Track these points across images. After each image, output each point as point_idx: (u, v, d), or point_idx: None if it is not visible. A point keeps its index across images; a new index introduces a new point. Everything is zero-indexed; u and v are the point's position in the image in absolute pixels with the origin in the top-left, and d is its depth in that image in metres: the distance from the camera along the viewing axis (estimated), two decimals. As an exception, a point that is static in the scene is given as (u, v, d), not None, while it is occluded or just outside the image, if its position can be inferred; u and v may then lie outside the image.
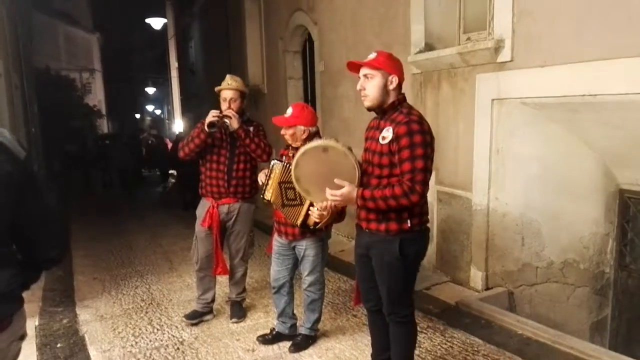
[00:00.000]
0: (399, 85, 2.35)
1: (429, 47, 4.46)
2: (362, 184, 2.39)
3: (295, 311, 3.40)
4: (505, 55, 3.68)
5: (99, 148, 14.42)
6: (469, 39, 4.29)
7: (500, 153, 3.87)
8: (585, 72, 3.14)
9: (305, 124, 2.98)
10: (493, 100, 3.83)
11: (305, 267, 3.15)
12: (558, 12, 3.30)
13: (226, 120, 3.39)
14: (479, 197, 4.05)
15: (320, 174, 2.40)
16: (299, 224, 2.91)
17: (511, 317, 3.57)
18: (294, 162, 2.48)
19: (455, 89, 4.22)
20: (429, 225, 2.48)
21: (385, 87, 2.31)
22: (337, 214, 2.74)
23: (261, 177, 3.05)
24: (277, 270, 3.23)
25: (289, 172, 2.84)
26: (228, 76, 3.56)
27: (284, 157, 3.06)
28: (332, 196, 2.33)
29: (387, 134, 2.28)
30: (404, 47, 4.59)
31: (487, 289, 4.07)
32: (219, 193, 3.55)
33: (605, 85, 3.03)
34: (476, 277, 4.13)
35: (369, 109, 2.41)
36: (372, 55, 2.36)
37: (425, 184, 2.23)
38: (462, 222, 4.27)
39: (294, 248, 3.16)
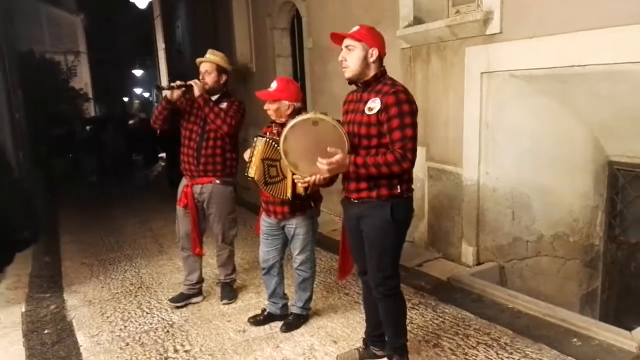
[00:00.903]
0: (380, 59, 2.38)
1: (417, 20, 4.37)
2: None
3: (286, 291, 3.37)
4: (494, 27, 3.61)
5: (90, 132, 14.16)
6: (457, 11, 4.20)
7: (491, 127, 3.82)
8: (574, 42, 3.08)
9: (289, 99, 2.90)
10: (482, 73, 3.77)
11: (296, 246, 3.11)
12: (548, -19, 3.23)
13: (177, 88, 3.36)
14: (469, 172, 4.02)
15: (308, 147, 2.37)
16: (289, 197, 2.85)
17: (502, 291, 3.57)
18: (282, 136, 2.42)
19: (444, 63, 4.14)
20: (412, 194, 2.50)
21: (365, 59, 2.35)
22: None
23: (246, 155, 2.98)
24: (266, 251, 3.19)
25: (273, 148, 2.78)
26: (208, 50, 3.51)
27: (267, 133, 2.99)
28: (328, 165, 2.25)
29: (374, 104, 2.31)
30: (392, 21, 4.49)
31: (478, 264, 4.07)
32: (190, 171, 3.49)
33: (595, 55, 2.98)
34: (467, 252, 4.13)
35: (350, 81, 2.43)
36: (355, 28, 2.40)
37: (415, 152, 2.30)
38: (453, 198, 4.25)
39: (283, 227, 3.11)
